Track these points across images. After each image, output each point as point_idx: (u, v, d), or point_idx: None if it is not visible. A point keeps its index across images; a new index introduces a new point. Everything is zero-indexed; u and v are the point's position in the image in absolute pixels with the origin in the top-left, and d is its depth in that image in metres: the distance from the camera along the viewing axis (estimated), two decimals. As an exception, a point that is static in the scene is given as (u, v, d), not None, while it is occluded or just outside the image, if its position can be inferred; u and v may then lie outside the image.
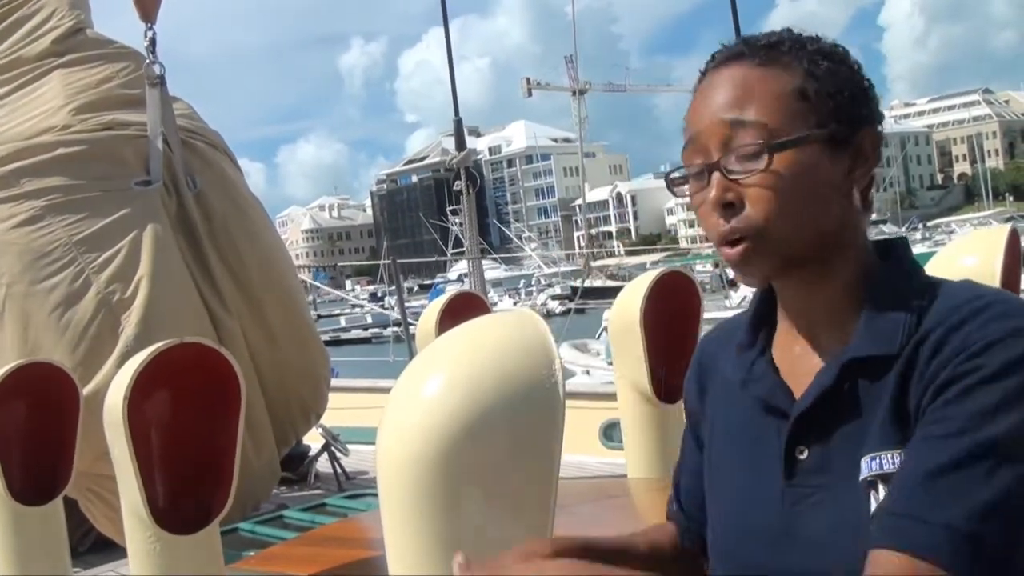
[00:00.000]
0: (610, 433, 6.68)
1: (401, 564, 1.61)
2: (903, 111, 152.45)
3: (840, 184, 1.23)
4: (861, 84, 1.27)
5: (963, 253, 3.14)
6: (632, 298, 3.90)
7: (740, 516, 1.27)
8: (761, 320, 1.34)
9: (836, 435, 1.19)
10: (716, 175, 1.21)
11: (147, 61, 5.58)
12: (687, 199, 1.28)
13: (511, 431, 1.59)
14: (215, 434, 2.95)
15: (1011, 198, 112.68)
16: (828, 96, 1.22)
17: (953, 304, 1.16)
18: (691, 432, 1.43)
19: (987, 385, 1.09)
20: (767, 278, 1.26)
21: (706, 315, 4.24)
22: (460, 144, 8.83)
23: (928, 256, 3.51)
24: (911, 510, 1.08)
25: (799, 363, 1.26)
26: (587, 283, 17.47)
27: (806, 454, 1.21)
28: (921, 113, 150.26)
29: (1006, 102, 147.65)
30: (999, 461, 1.07)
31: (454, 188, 8.63)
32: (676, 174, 1.30)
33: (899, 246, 1.28)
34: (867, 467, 1.15)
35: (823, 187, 1.22)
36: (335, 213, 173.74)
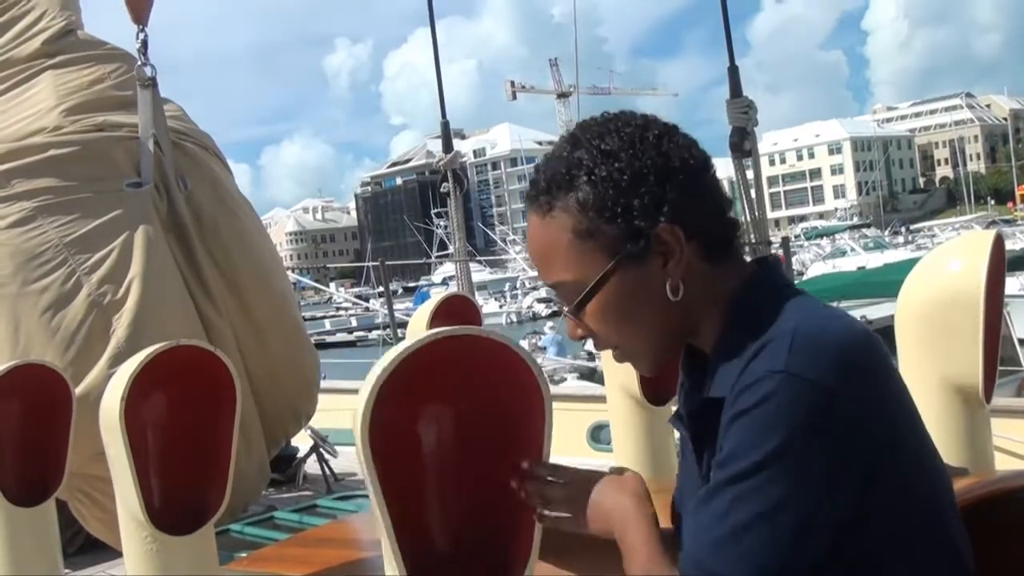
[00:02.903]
0: (598, 435, 6.72)
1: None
2: (886, 115, 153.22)
3: (662, 283, 1.35)
4: (656, 170, 1.34)
5: (948, 258, 3.14)
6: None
7: None
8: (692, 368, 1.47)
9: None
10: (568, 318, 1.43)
11: (139, 63, 5.58)
12: None
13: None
14: (210, 436, 2.97)
15: (992, 201, 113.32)
16: (608, 220, 1.33)
17: (761, 343, 1.28)
18: None
19: (731, 426, 1.24)
20: (654, 370, 1.46)
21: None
22: (447, 146, 8.80)
23: (912, 262, 3.54)
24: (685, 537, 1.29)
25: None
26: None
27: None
28: (904, 117, 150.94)
29: (988, 106, 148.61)
30: (734, 497, 1.21)
31: (440, 190, 8.58)
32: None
33: (757, 284, 1.38)
34: None
35: (644, 298, 1.36)
36: (319, 215, 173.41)
